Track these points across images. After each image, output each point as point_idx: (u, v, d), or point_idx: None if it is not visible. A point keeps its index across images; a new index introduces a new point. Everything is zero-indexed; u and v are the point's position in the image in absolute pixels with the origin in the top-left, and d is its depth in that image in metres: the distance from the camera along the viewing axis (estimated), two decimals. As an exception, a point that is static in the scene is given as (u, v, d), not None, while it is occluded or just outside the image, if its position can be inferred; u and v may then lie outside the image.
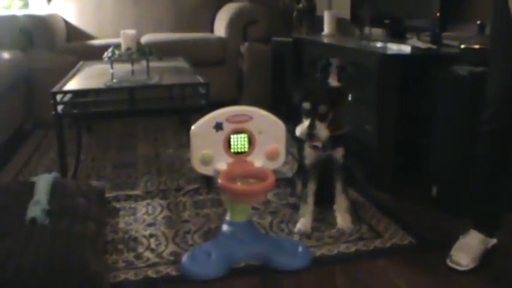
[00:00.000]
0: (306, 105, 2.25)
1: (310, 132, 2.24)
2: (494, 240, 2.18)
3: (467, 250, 2.10)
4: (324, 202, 2.51)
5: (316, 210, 2.49)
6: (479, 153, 2.09)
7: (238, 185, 2.11)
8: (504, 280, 2.03)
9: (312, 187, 2.45)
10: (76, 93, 2.97)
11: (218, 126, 2.12)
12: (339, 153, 2.40)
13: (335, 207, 2.46)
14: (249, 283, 2.04)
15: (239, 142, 2.16)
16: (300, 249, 2.18)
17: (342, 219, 2.43)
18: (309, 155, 2.41)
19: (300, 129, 2.26)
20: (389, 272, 2.08)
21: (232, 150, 2.16)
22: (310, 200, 2.45)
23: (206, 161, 2.13)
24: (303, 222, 2.42)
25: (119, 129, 4.33)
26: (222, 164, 2.14)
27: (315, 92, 2.30)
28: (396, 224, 2.45)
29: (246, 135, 2.15)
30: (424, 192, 2.70)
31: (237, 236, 2.16)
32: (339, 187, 2.44)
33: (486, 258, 2.12)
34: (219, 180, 2.06)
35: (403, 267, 2.11)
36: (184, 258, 2.12)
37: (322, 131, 2.25)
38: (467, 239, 2.13)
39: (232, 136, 2.14)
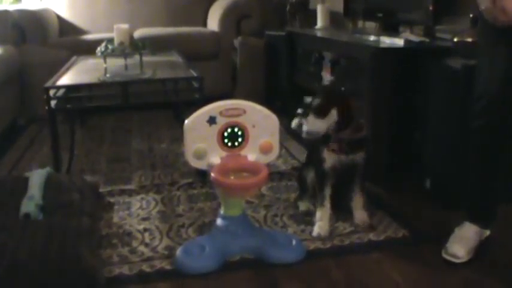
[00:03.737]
0: (307, 99, 2.27)
1: (300, 123, 2.25)
2: (488, 232, 2.19)
3: (463, 242, 2.11)
4: (339, 206, 2.46)
5: (333, 213, 2.42)
6: (471, 147, 2.10)
7: (232, 179, 2.11)
8: (499, 271, 2.04)
9: (328, 191, 2.37)
10: (69, 88, 2.97)
11: (211, 120, 2.12)
12: (360, 157, 2.35)
13: (352, 204, 2.43)
14: (243, 276, 2.04)
15: (232, 136, 2.16)
16: (294, 242, 2.19)
17: (359, 215, 2.41)
18: (328, 158, 2.34)
19: (294, 122, 2.28)
20: (383, 265, 2.09)
21: (225, 144, 2.16)
22: (327, 203, 2.37)
23: (200, 155, 2.13)
24: (321, 226, 2.35)
25: (113, 124, 4.32)
26: (215, 157, 2.14)
27: (317, 88, 2.30)
28: (390, 217, 2.46)
29: (239, 129, 2.15)
30: (417, 185, 2.71)
31: (231, 230, 2.16)
32: (357, 186, 2.41)
33: (481, 249, 2.13)
34: (213, 174, 2.06)
35: (397, 260, 2.12)
36: (179, 252, 2.12)
37: (312, 124, 2.23)
38: (462, 231, 2.14)
39: (225, 130, 2.14)
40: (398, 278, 2.00)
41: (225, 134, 2.14)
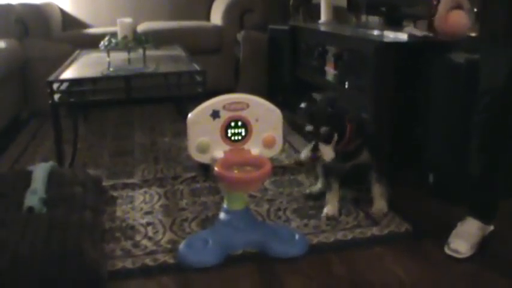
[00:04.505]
0: (309, 127, 2.27)
1: (313, 155, 2.25)
2: (491, 227, 2.19)
3: (465, 237, 2.10)
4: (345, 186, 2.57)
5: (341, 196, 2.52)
6: (473, 141, 2.09)
7: (235, 173, 2.11)
8: (501, 266, 2.04)
9: (335, 180, 2.49)
10: (72, 82, 2.97)
11: (215, 114, 2.12)
12: (363, 158, 2.44)
13: (372, 193, 2.50)
14: (245, 270, 2.04)
15: (236, 130, 2.16)
16: (296, 236, 2.19)
17: (377, 204, 2.47)
18: (332, 166, 2.45)
19: (303, 154, 2.29)
20: (386, 259, 2.09)
21: (228, 138, 2.16)
22: (336, 187, 2.48)
23: (203, 149, 2.13)
24: (330, 207, 2.45)
25: (116, 118, 4.33)
26: (218, 151, 2.14)
27: (317, 114, 2.30)
28: (393, 212, 2.45)
29: (242, 123, 2.15)
30: (420, 180, 2.71)
31: (234, 224, 2.16)
32: (373, 176, 2.48)
33: (484, 245, 2.13)
34: (216, 168, 2.06)
35: (399, 255, 2.12)
36: (182, 246, 2.13)
37: (327, 153, 2.26)
38: (465, 227, 2.14)
39: (229, 124, 2.14)
40: (400, 273, 2.00)
41: (228, 128, 2.14)
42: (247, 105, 2.15)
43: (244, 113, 2.15)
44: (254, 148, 2.18)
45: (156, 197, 2.68)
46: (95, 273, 1.85)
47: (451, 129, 2.52)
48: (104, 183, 2.81)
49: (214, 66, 4.39)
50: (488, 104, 1.99)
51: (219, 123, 2.13)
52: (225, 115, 2.13)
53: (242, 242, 2.15)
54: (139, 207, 2.57)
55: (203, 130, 2.12)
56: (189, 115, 2.12)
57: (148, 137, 3.76)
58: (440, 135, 2.59)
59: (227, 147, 2.16)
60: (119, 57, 3.15)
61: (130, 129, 3.99)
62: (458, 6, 2.01)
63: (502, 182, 2.14)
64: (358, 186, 2.60)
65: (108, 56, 3.12)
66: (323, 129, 2.25)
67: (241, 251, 2.15)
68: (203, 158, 2.17)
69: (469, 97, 2.24)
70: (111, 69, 3.02)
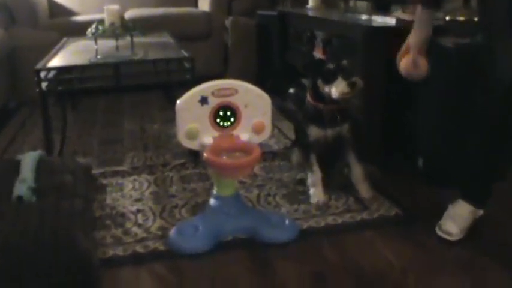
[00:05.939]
0: (330, 65, 2.33)
1: (350, 82, 2.29)
2: (481, 211, 2.20)
3: (456, 220, 2.11)
4: (325, 168, 2.53)
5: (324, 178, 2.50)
6: (471, 128, 2.09)
7: (224, 159, 2.11)
8: (492, 250, 2.05)
9: (314, 157, 2.47)
10: (60, 69, 2.95)
11: (203, 101, 2.11)
12: (345, 129, 2.44)
13: (352, 178, 2.49)
14: (236, 256, 2.05)
15: (225, 116, 2.16)
16: (287, 222, 2.20)
17: (363, 188, 2.47)
18: (315, 134, 2.45)
19: (337, 89, 2.31)
20: (376, 244, 2.10)
21: (218, 124, 2.15)
22: (316, 168, 2.47)
23: (192, 136, 2.13)
24: (316, 194, 2.44)
25: (104, 106, 4.31)
26: (208, 138, 2.13)
27: (337, 49, 2.32)
28: (383, 196, 2.46)
29: (231, 109, 2.15)
30: (410, 164, 2.72)
31: (224, 210, 2.16)
32: (352, 157, 2.48)
33: (474, 228, 2.14)
34: (205, 155, 2.06)
35: (390, 239, 2.13)
36: (172, 232, 2.13)
37: (359, 81, 2.31)
38: (456, 209, 2.14)
39: (218, 110, 2.14)
40: (391, 256, 2.01)
41: (217, 114, 2.14)
42: (236, 91, 2.14)
43: (233, 99, 2.14)
44: (243, 134, 2.18)
45: (145, 184, 2.68)
46: (86, 261, 1.85)
47: (440, 113, 2.52)
48: (94, 171, 2.81)
49: (202, 53, 4.38)
50: (497, 99, 1.98)
51: (208, 109, 2.12)
52: (214, 101, 2.12)
53: (232, 228, 2.16)
54: (129, 194, 2.57)
55: (192, 116, 2.11)
56: (178, 102, 2.11)
57: (137, 124, 3.76)
58: (430, 119, 2.60)
59: (216, 133, 2.15)
60: (107, 44, 3.13)
61: (119, 116, 3.98)
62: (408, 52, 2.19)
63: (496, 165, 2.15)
64: (342, 169, 2.58)
65: (96, 43, 3.11)
66: (344, 63, 2.33)
67: (231, 237, 2.15)
68: (192, 145, 2.17)
69: (458, 82, 2.25)
70: (99, 56, 3.00)
